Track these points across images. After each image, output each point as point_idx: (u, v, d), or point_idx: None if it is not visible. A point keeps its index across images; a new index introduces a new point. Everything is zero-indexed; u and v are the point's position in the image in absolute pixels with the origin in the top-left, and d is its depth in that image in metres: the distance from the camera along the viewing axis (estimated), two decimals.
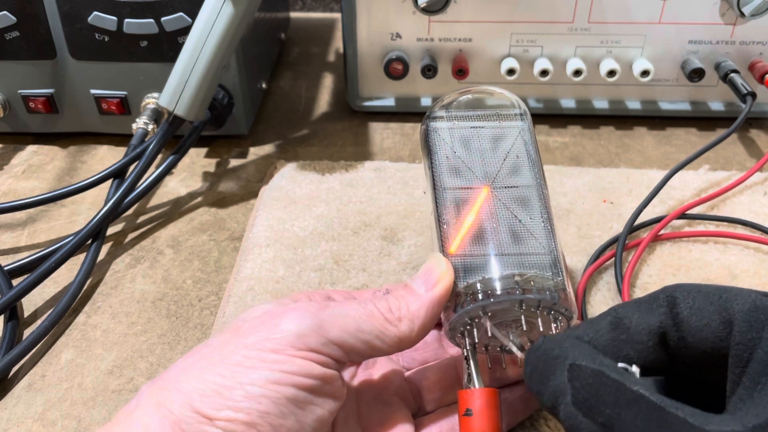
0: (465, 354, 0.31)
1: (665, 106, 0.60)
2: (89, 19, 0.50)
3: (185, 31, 0.50)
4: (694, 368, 0.26)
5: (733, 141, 0.58)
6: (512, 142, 0.35)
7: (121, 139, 0.58)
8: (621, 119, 0.61)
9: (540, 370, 0.25)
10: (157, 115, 0.52)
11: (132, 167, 0.48)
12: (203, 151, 0.57)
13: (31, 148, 0.57)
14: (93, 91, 0.54)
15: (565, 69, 0.57)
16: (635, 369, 0.25)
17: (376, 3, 0.55)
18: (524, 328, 0.30)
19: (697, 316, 0.25)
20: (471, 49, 0.57)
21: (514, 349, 0.31)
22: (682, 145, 0.57)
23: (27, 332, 0.41)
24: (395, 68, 0.57)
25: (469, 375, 0.31)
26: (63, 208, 0.51)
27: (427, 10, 0.55)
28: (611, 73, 0.56)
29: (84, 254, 0.45)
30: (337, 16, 0.82)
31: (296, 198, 0.50)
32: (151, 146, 0.47)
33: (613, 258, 0.44)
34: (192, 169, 0.55)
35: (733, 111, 0.60)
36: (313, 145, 0.58)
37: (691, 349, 0.26)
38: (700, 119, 0.60)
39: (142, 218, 0.50)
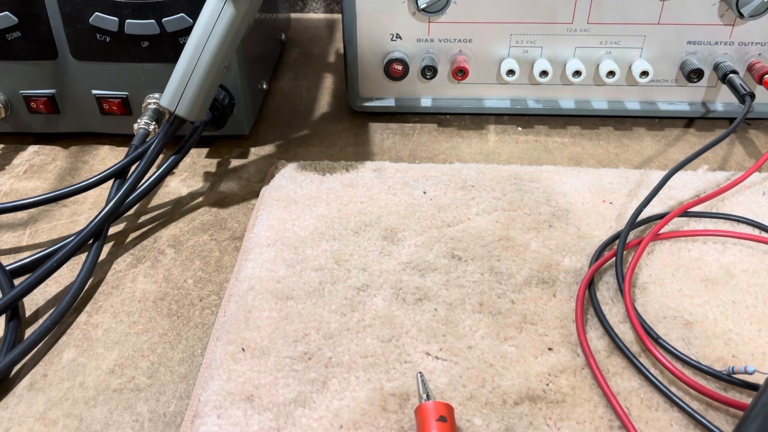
0: (419, 375, 0.36)
1: (664, 106, 0.60)
2: (90, 19, 0.50)
3: (186, 31, 0.50)
4: None
5: (731, 141, 0.58)
6: None
7: (122, 139, 0.58)
8: (620, 119, 0.61)
9: None
10: (158, 115, 0.52)
11: (133, 167, 0.48)
12: (204, 151, 0.57)
13: (32, 148, 0.58)
14: (94, 92, 0.54)
15: (565, 70, 0.57)
16: None
17: (376, 4, 0.56)
18: None
19: None
20: (471, 49, 0.58)
21: None
22: (681, 146, 0.58)
23: (29, 332, 0.41)
24: (395, 69, 0.57)
25: (428, 393, 0.35)
26: (64, 207, 0.51)
27: (427, 11, 0.55)
28: (611, 73, 0.56)
29: (85, 254, 0.45)
30: (338, 16, 0.83)
31: (297, 198, 0.50)
32: (152, 146, 0.48)
33: (613, 258, 0.44)
34: (193, 169, 0.55)
35: (731, 111, 0.60)
36: (313, 145, 0.58)
37: None
38: (699, 119, 0.61)
39: (143, 218, 0.50)
